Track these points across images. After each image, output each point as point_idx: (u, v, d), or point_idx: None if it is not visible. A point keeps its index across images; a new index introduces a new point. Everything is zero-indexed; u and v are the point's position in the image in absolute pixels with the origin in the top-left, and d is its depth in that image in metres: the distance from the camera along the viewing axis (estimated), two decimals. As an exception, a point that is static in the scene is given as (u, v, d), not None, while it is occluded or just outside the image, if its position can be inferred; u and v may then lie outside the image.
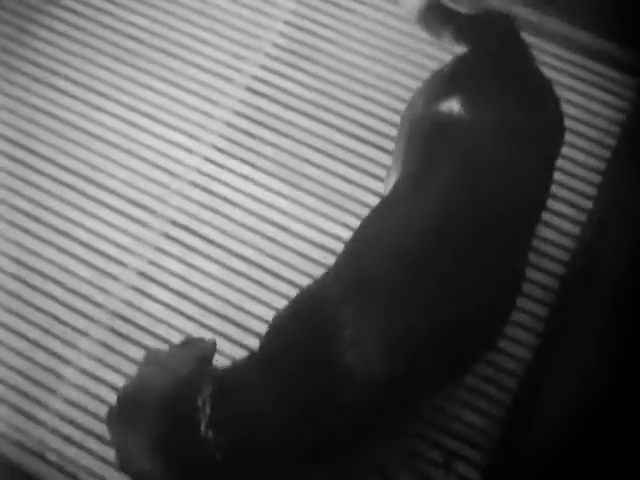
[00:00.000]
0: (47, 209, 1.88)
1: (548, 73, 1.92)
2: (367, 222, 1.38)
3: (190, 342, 1.38)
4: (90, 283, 1.80)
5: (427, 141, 1.37)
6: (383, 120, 1.93)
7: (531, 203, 1.36)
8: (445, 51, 1.96)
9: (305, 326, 1.30)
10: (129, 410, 1.28)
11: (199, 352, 1.33)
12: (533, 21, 2.00)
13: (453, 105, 1.34)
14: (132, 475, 1.29)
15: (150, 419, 1.25)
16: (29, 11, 2.09)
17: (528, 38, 1.90)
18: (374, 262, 1.29)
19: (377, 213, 1.38)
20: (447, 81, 1.42)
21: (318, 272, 1.78)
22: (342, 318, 1.25)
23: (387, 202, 1.38)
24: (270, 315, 1.73)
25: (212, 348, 1.35)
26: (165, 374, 1.29)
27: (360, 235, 1.37)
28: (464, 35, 1.48)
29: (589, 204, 1.82)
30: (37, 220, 1.87)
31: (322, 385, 1.25)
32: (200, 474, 1.26)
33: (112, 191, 1.89)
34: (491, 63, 1.41)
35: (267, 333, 1.37)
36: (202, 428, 1.23)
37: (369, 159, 1.89)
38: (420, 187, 1.32)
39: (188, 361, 1.30)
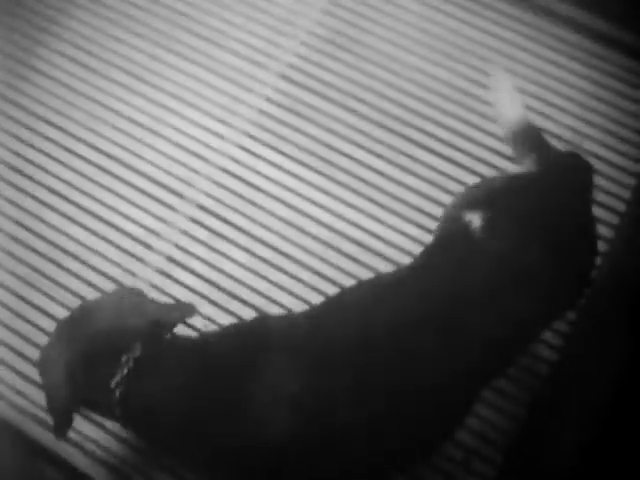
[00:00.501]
0: (77, 189, 1.88)
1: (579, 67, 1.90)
2: (353, 290, 1.38)
3: (175, 305, 1.46)
4: (117, 265, 1.80)
5: (437, 241, 1.39)
6: (418, 113, 1.91)
7: (506, 345, 1.31)
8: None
9: (239, 349, 1.31)
10: (68, 327, 1.35)
11: (163, 315, 1.36)
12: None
13: (475, 219, 1.30)
14: (47, 390, 1.36)
15: (77, 347, 1.31)
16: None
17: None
18: (334, 334, 1.28)
19: (367, 287, 1.38)
20: (485, 192, 1.40)
21: (344, 263, 1.78)
22: (273, 364, 1.26)
23: (383, 280, 1.38)
24: (293, 303, 1.74)
25: (179, 317, 1.39)
26: (114, 316, 1.34)
27: (337, 299, 1.37)
28: (541, 166, 1.45)
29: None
30: (66, 199, 1.87)
31: (219, 407, 1.27)
32: (101, 413, 1.38)
33: (142, 173, 1.89)
34: (541, 196, 1.35)
35: (216, 331, 1.41)
36: (112, 382, 1.27)
37: (401, 152, 1.88)
38: (405, 283, 1.33)
39: (142, 317, 1.34)
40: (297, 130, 1.91)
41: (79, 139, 1.93)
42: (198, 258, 1.80)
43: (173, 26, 2.04)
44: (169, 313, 1.39)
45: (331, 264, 1.78)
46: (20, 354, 1.73)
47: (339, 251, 1.79)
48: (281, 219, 1.83)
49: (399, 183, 1.85)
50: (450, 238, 1.35)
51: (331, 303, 1.38)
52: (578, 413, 1.46)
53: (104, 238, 1.83)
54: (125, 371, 1.28)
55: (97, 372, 1.29)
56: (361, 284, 1.39)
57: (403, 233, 1.80)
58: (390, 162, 1.87)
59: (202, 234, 1.82)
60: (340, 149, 1.89)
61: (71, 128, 1.95)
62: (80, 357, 1.30)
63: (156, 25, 2.04)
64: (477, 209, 1.32)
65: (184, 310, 1.41)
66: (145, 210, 1.85)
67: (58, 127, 1.95)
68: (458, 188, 1.82)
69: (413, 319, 1.26)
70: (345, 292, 1.39)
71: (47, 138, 1.94)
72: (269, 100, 1.94)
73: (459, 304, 1.26)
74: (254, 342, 1.31)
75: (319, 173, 1.87)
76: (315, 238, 1.81)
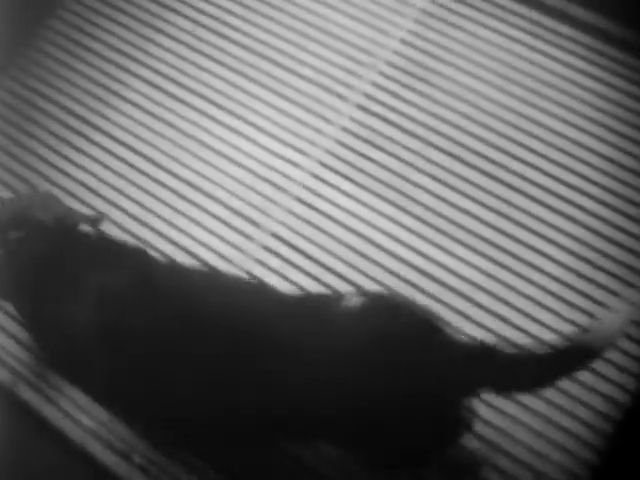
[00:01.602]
0: (152, 213, 1.92)
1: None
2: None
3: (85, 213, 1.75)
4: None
5: None
6: (496, 148, 1.88)
7: None
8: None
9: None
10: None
11: (69, 215, 1.62)
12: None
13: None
14: None
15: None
16: (150, 18, 2.15)
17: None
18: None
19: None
20: None
21: (414, 295, 1.76)
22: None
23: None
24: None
25: (83, 219, 1.62)
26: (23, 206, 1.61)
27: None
28: None
29: None
30: (144, 224, 1.91)
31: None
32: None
33: (218, 200, 1.91)
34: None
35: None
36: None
37: (477, 185, 1.85)
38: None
39: (47, 211, 1.59)
40: (372, 161, 1.91)
41: (159, 165, 1.97)
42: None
43: (254, 54, 2.06)
44: (75, 215, 1.63)
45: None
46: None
47: (410, 283, 1.78)
48: (353, 249, 1.82)
49: (474, 216, 1.83)
50: None
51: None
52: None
53: (177, 261, 1.85)
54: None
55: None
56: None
57: (476, 267, 1.77)
58: (466, 195, 1.84)
59: (274, 262, 1.83)
60: (415, 181, 1.87)
61: (152, 154, 1.99)
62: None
63: (238, 53, 2.07)
64: None
65: (92, 218, 1.64)
66: (220, 237, 1.87)
67: (139, 153, 1.99)
68: (532, 222, 1.80)
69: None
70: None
71: (128, 163, 1.98)
72: (345, 130, 1.95)
73: None
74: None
75: (393, 204, 1.86)
76: (387, 270, 1.79)
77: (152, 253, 1.59)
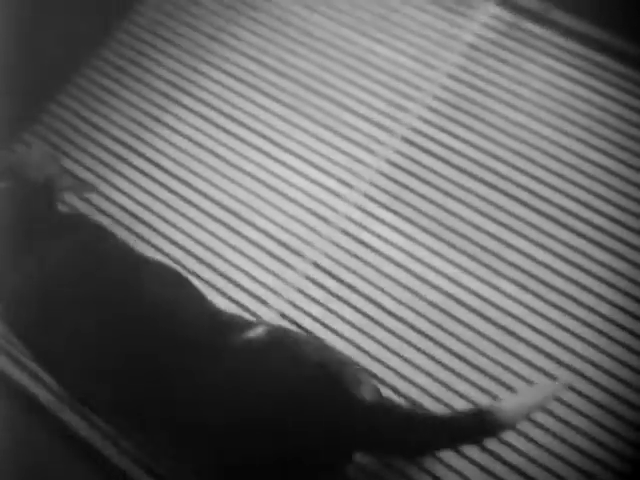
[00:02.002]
0: (196, 241, 1.92)
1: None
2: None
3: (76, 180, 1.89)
4: (231, 318, 1.82)
5: None
6: (544, 183, 1.87)
7: None
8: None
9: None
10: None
11: (60, 178, 1.72)
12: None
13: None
14: None
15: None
16: (203, 52, 2.18)
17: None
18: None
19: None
20: None
21: (457, 328, 1.74)
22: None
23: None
24: (404, 367, 1.71)
25: (73, 185, 1.79)
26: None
27: None
28: None
29: None
30: (185, 250, 1.91)
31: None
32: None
33: (261, 230, 1.91)
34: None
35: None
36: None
37: (519, 218, 1.84)
38: None
39: (40, 172, 1.66)
40: (417, 194, 1.90)
41: (200, 192, 1.98)
42: (311, 316, 1.80)
43: (300, 85, 2.08)
44: (66, 179, 1.72)
45: (445, 329, 1.75)
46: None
47: (453, 317, 1.76)
48: (396, 282, 1.81)
49: (519, 251, 1.80)
50: None
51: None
52: None
53: (219, 290, 1.86)
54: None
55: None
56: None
57: (521, 303, 1.75)
58: (512, 230, 1.83)
59: (317, 293, 1.82)
60: (460, 214, 1.86)
61: (194, 181, 2.00)
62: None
63: (284, 85, 2.09)
64: None
65: (82, 186, 1.77)
66: (263, 267, 1.87)
67: (184, 181, 2.00)
68: (572, 255, 1.78)
69: None
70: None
71: (172, 191, 2.00)
72: (390, 162, 1.94)
73: None
74: None
75: (437, 238, 1.84)
76: (430, 303, 1.78)
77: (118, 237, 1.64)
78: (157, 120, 2.09)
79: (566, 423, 1.63)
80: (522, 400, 1.32)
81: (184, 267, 1.88)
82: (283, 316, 1.80)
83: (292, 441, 1.27)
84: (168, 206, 1.98)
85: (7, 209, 1.56)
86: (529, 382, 1.67)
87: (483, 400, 1.66)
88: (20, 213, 1.56)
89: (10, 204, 1.56)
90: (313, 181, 1.96)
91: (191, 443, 1.29)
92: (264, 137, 2.03)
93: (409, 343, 1.74)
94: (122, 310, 1.38)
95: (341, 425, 1.30)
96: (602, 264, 1.76)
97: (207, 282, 1.86)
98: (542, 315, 1.73)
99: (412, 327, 1.76)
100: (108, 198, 2.00)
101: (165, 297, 1.42)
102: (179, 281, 1.53)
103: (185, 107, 2.10)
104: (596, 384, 1.66)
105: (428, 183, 1.91)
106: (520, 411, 1.31)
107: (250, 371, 1.31)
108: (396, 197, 1.90)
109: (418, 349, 1.73)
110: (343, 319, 1.78)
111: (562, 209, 1.84)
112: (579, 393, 1.65)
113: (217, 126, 2.06)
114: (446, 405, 1.67)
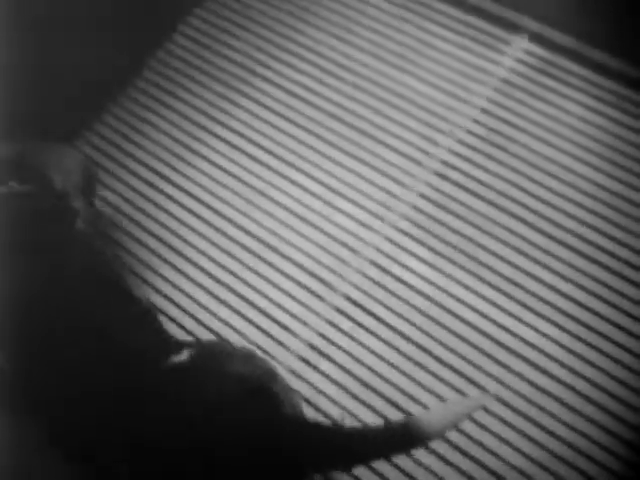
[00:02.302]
0: (224, 268, 1.93)
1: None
2: None
3: None
4: (258, 347, 1.82)
5: None
6: (575, 219, 1.86)
7: None
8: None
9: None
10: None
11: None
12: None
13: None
14: None
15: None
16: (233, 80, 2.19)
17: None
18: None
19: None
20: None
21: (484, 363, 1.73)
22: None
23: None
24: (432, 401, 1.69)
25: None
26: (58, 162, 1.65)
27: None
28: None
29: None
30: (214, 278, 1.92)
31: None
32: None
33: (290, 259, 1.92)
34: None
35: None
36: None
37: (549, 253, 1.83)
38: None
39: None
40: (447, 227, 1.90)
41: (230, 220, 1.99)
42: (340, 348, 1.79)
43: (332, 118, 2.09)
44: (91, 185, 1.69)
45: (473, 363, 1.74)
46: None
47: (483, 352, 1.74)
48: (426, 315, 1.80)
49: (548, 286, 1.79)
50: None
51: None
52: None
53: (248, 319, 1.85)
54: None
55: None
56: None
57: (555, 341, 1.74)
58: (545, 266, 1.82)
59: (346, 325, 1.81)
60: (492, 250, 1.85)
61: (226, 211, 2.01)
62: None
63: (316, 116, 2.10)
64: None
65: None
66: (292, 297, 1.87)
67: (213, 209, 2.01)
68: (608, 294, 1.77)
69: None
70: None
71: (201, 218, 2.00)
72: (422, 196, 1.94)
73: None
74: None
75: (468, 272, 1.84)
76: (460, 337, 1.77)
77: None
78: (188, 148, 2.11)
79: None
80: (447, 410, 1.33)
81: (212, 294, 1.88)
82: (311, 347, 1.80)
83: (219, 461, 1.28)
84: (195, 232, 1.99)
85: (25, 215, 1.51)
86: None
87: (510, 436, 1.65)
88: (33, 222, 1.51)
89: (27, 212, 1.51)
90: (343, 212, 1.96)
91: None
92: (295, 168, 2.03)
93: (439, 378, 1.73)
94: (58, 330, 1.39)
95: (264, 437, 1.30)
96: (632, 300, 1.76)
97: (233, 308, 1.86)
98: (574, 353, 1.72)
99: (437, 359, 1.75)
100: (138, 223, 2.01)
101: (102, 317, 1.42)
102: (129, 300, 1.53)
103: (216, 136, 2.11)
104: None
105: (458, 216, 1.90)
106: (445, 421, 1.32)
107: (174, 394, 1.33)
108: (427, 230, 1.90)
109: (448, 384, 1.72)
110: (371, 351, 1.78)
111: (597, 247, 1.84)
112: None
113: (248, 155, 2.07)
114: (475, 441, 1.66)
